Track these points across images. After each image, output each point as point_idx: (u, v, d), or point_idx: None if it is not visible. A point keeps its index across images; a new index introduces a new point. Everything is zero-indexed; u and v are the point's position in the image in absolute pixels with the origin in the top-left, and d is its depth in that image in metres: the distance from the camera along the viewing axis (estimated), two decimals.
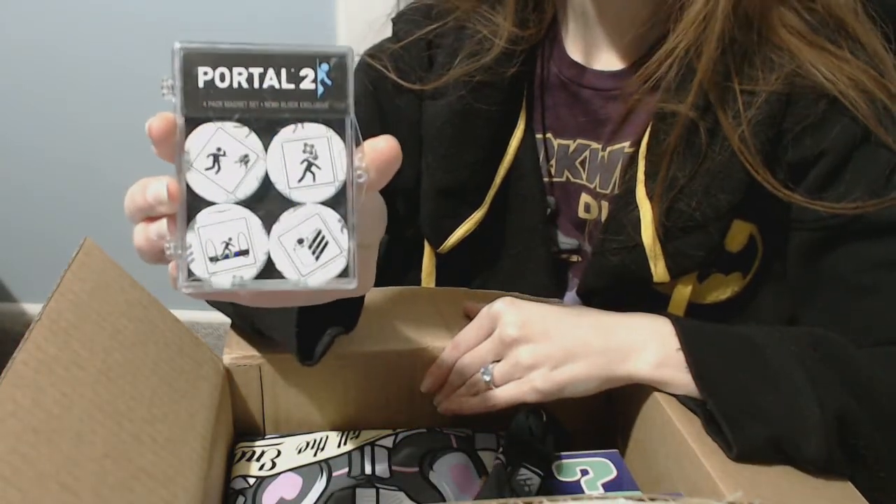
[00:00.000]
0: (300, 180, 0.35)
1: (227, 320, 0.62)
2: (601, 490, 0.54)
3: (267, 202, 0.35)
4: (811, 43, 0.58)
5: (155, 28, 1.42)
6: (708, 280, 0.65)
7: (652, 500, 0.32)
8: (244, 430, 0.60)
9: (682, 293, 0.65)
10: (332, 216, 0.35)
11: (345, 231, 0.35)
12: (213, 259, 0.34)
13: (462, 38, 0.70)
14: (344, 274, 0.35)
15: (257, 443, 0.58)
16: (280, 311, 0.52)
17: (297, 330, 0.51)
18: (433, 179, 0.72)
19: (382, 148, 0.35)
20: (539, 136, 0.72)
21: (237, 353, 0.58)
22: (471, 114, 0.69)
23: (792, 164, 0.60)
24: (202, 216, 0.34)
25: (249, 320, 0.57)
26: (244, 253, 0.34)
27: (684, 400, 0.54)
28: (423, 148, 0.72)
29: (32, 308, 1.72)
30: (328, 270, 0.35)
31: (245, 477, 0.55)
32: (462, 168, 0.71)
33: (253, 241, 0.34)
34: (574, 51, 0.70)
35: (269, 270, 0.34)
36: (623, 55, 0.67)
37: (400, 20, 0.74)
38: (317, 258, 0.35)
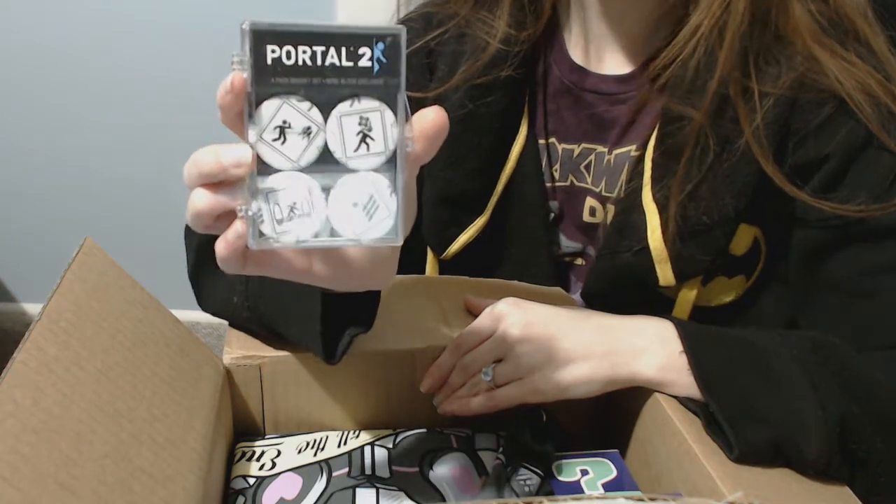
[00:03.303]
0: (356, 150, 0.38)
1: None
2: (601, 490, 0.54)
3: (326, 169, 0.38)
4: (822, 43, 0.58)
5: (155, 28, 1.42)
6: (712, 283, 0.65)
7: (652, 500, 0.32)
8: (244, 430, 0.60)
9: (687, 296, 0.65)
10: (382, 182, 0.38)
11: (393, 195, 0.39)
12: (280, 221, 0.38)
13: (463, 44, 0.70)
14: (392, 232, 0.39)
15: (257, 443, 0.58)
16: (303, 315, 0.53)
17: (321, 329, 0.51)
18: (435, 188, 0.72)
19: (431, 117, 0.38)
20: (542, 141, 0.72)
21: (237, 353, 0.58)
22: (472, 121, 0.69)
23: (796, 167, 0.60)
24: (270, 182, 0.38)
25: (269, 327, 0.57)
26: (307, 215, 0.38)
27: (685, 401, 0.54)
28: None
29: (32, 308, 1.72)
30: (379, 229, 0.39)
31: (245, 477, 0.55)
32: (464, 176, 0.71)
33: (314, 204, 0.38)
34: (577, 54, 0.70)
35: (327, 231, 0.39)
36: (629, 57, 0.67)
37: None
38: (369, 219, 0.39)
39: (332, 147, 0.38)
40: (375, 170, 0.38)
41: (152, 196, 1.55)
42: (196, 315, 0.64)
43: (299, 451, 0.57)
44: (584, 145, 0.70)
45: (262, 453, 0.57)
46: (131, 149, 1.52)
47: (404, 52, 0.37)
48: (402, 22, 0.75)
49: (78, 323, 0.44)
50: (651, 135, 0.63)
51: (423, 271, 0.77)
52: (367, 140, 0.38)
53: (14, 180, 1.58)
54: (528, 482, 0.53)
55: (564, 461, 0.56)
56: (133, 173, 1.55)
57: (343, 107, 0.37)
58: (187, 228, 0.65)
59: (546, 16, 0.70)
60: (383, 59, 0.37)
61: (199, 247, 0.61)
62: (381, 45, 0.37)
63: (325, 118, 0.37)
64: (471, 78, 0.68)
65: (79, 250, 0.49)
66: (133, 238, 1.58)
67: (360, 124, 0.38)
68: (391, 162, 0.38)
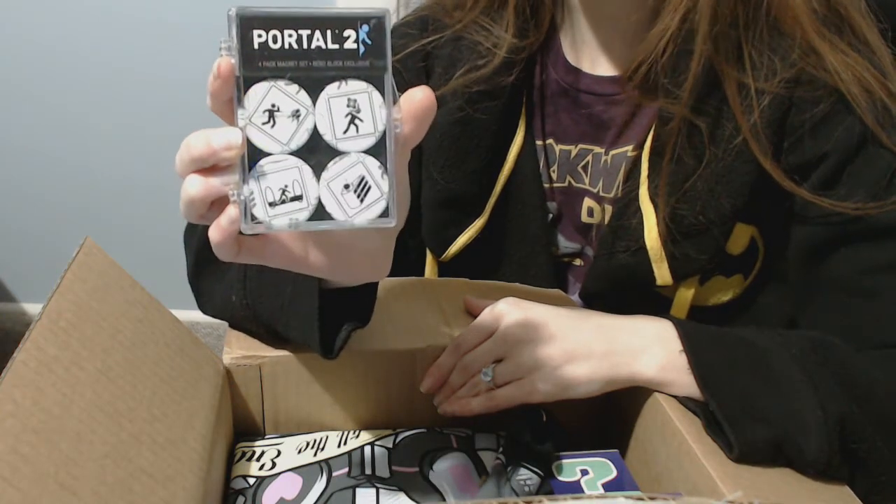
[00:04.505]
0: (345, 132, 0.38)
1: None
2: (601, 490, 0.54)
3: (316, 152, 0.38)
4: (821, 35, 0.58)
5: (155, 28, 1.42)
6: (710, 282, 0.65)
7: (652, 499, 0.32)
8: (244, 430, 0.60)
9: (685, 296, 0.65)
10: (373, 163, 0.38)
11: (385, 177, 0.39)
12: (272, 204, 0.38)
13: (460, 48, 0.70)
14: (384, 214, 0.39)
15: (257, 443, 0.58)
16: (301, 311, 0.53)
17: (318, 324, 0.51)
18: (434, 190, 0.72)
19: (419, 97, 0.38)
20: (539, 142, 0.72)
21: (237, 353, 0.58)
22: (470, 124, 0.69)
23: (794, 166, 0.60)
24: (261, 166, 0.38)
25: (268, 324, 0.57)
26: (298, 198, 0.38)
27: (685, 401, 0.54)
28: (422, 159, 0.72)
29: (32, 308, 1.72)
30: (371, 211, 0.39)
31: (245, 477, 0.55)
32: (462, 178, 0.71)
33: (306, 187, 0.38)
34: (572, 56, 0.70)
35: (320, 213, 0.38)
36: (622, 58, 0.67)
37: (395, 33, 0.74)
38: (361, 201, 0.38)
39: (321, 129, 0.38)
40: (366, 151, 0.38)
41: (152, 196, 1.55)
42: (196, 315, 0.64)
43: (299, 451, 0.57)
44: (581, 146, 0.71)
45: (262, 453, 0.57)
46: (131, 149, 1.53)
47: (389, 33, 0.37)
48: (399, 26, 0.75)
49: (78, 323, 0.44)
50: (647, 135, 0.63)
51: (422, 273, 0.77)
52: (356, 122, 0.38)
53: (14, 180, 1.58)
54: (528, 482, 0.53)
55: (564, 461, 0.56)
56: (133, 173, 1.55)
57: (331, 89, 0.37)
58: (186, 231, 0.65)
59: (546, 23, 0.71)
60: (368, 41, 0.37)
61: (199, 249, 0.61)
62: (365, 28, 0.37)
63: (314, 101, 0.37)
64: (471, 83, 0.68)
65: (79, 250, 0.49)
66: (133, 238, 1.59)
67: (348, 106, 0.38)
68: (381, 143, 0.38)
